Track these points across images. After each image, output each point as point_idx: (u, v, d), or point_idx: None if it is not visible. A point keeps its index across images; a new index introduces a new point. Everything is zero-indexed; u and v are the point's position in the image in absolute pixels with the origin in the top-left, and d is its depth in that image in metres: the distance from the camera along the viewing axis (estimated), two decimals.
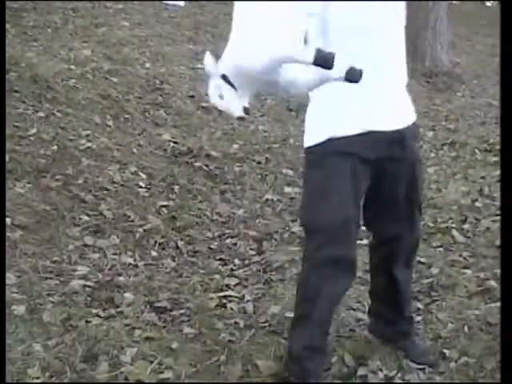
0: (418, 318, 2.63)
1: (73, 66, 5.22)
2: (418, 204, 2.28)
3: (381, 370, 2.28)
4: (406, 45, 2.18)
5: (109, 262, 3.03)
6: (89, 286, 2.77)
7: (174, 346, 2.40)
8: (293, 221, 3.66)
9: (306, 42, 1.86)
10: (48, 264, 2.89)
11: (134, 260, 3.13)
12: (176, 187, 4.00)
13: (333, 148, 2.06)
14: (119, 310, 2.64)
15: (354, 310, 2.70)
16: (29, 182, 3.51)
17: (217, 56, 1.90)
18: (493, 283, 2.83)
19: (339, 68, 1.77)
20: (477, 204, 3.87)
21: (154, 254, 3.24)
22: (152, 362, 2.28)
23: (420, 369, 2.29)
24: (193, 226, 3.59)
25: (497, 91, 6.81)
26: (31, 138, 3.97)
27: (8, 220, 3.04)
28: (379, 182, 2.17)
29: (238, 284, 3.01)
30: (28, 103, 4.43)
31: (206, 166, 4.37)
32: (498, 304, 2.60)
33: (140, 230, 3.39)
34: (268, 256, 3.27)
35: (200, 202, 3.90)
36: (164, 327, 2.57)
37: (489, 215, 3.68)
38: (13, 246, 2.90)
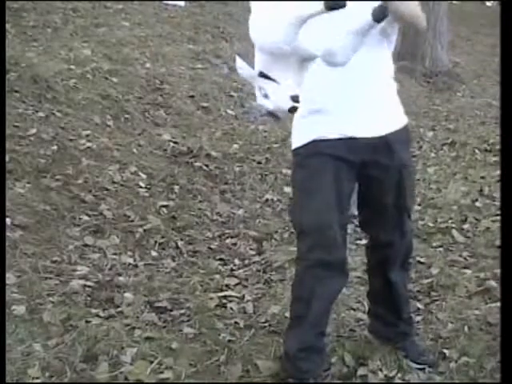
0: (418, 318, 2.63)
1: (73, 66, 5.22)
2: (407, 211, 2.26)
3: (381, 370, 2.28)
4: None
5: (109, 262, 3.03)
6: (89, 286, 2.77)
7: (174, 346, 2.40)
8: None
9: None
10: (48, 264, 2.89)
11: (134, 260, 3.12)
12: (176, 187, 4.00)
13: (316, 150, 2.09)
14: (119, 309, 2.64)
15: (354, 310, 2.70)
16: (29, 182, 3.51)
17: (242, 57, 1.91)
18: (493, 283, 2.83)
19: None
20: (477, 204, 3.87)
21: (154, 254, 3.24)
22: (152, 362, 2.28)
23: (420, 369, 2.29)
24: (193, 226, 3.59)
25: (497, 91, 6.81)
26: (31, 138, 3.97)
27: (8, 220, 3.04)
28: (366, 187, 2.19)
29: (237, 284, 3.01)
30: (28, 103, 4.43)
31: (206, 165, 4.37)
32: (498, 304, 2.60)
33: (140, 230, 3.39)
34: (268, 256, 3.27)
35: (200, 202, 3.91)
36: (164, 327, 2.57)
37: (489, 215, 3.68)
38: (13, 246, 2.89)
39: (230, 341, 2.48)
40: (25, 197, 3.34)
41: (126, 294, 2.76)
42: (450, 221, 3.64)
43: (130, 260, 3.11)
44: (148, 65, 5.89)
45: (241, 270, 3.16)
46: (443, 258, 3.19)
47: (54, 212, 3.33)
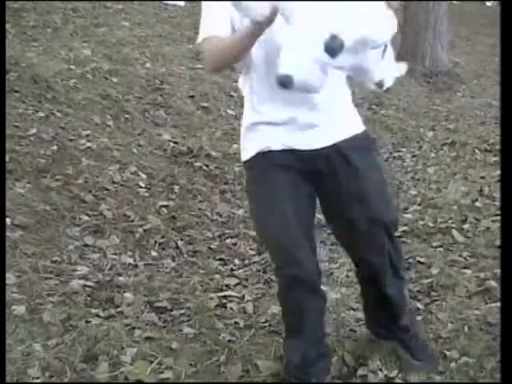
0: (418, 318, 2.63)
1: (73, 66, 5.22)
2: (381, 223, 2.04)
3: (381, 370, 2.28)
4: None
5: (109, 262, 3.03)
6: (89, 286, 2.77)
7: (174, 346, 2.40)
8: None
9: None
10: (48, 264, 2.89)
11: (134, 260, 3.13)
12: (176, 187, 4.00)
13: (264, 162, 2.00)
14: (119, 309, 2.64)
15: (354, 310, 2.70)
16: (29, 182, 3.51)
17: None
18: (493, 283, 2.82)
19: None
20: (477, 204, 3.86)
21: (154, 254, 3.24)
22: (152, 362, 2.28)
23: (420, 369, 2.29)
24: (193, 226, 3.59)
25: (497, 91, 6.82)
26: (31, 138, 3.97)
27: (8, 220, 3.04)
28: (325, 199, 2.08)
29: (237, 284, 3.01)
30: (28, 103, 4.43)
31: (206, 165, 4.37)
32: (498, 304, 2.60)
33: (140, 230, 3.39)
34: (268, 256, 3.27)
35: (200, 202, 3.91)
36: (164, 327, 2.57)
37: (489, 215, 3.67)
38: (13, 246, 2.89)
39: (229, 341, 2.48)
40: (25, 197, 3.34)
41: (126, 294, 2.76)
42: (449, 221, 3.64)
43: (130, 260, 3.11)
44: (148, 65, 5.89)
45: (241, 270, 3.16)
46: (443, 257, 3.18)
47: (54, 212, 3.33)
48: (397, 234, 3.50)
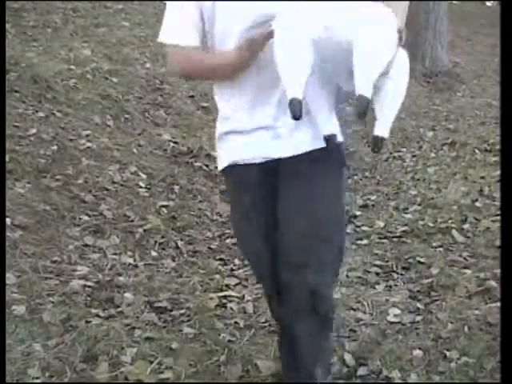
0: (418, 318, 2.63)
1: (73, 66, 5.22)
2: (322, 238, 1.81)
3: (381, 370, 2.28)
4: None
5: (109, 261, 3.03)
6: (89, 286, 2.77)
7: (174, 346, 2.40)
8: None
9: None
10: (48, 264, 2.89)
11: (134, 260, 3.13)
12: (176, 187, 4.00)
13: (234, 174, 1.96)
14: (119, 310, 2.64)
15: (354, 310, 2.70)
16: (29, 182, 3.51)
17: None
18: (493, 283, 2.82)
19: None
20: (477, 204, 3.87)
21: (154, 254, 3.24)
22: (152, 362, 2.28)
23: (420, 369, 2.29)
24: (193, 226, 3.59)
25: (497, 91, 6.82)
26: (31, 138, 3.97)
27: (8, 220, 3.04)
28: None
29: (237, 284, 3.01)
30: (28, 103, 4.43)
31: (206, 166, 4.37)
32: (498, 304, 2.60)
33: (140, 230, 3.39)
34: None
35: (200, 202, 3.91)
36: (164, 327, 2.57)
37: (489, 215, 3.68)
38: (13, 246, 2.89)
39: (229, 341, 2.48)
40: (25, 197, 3.34)
41: (126, 294, 2.76)
42: (449, 221, 3.64)
43: (130, 260, 3.11)
44: (148, 65, 5.89)
45: (241, 270, 3.16)
46: (443, 257, 3.19)
47: (54, 212, 3.32)
48: (397, 234, 3.56)
